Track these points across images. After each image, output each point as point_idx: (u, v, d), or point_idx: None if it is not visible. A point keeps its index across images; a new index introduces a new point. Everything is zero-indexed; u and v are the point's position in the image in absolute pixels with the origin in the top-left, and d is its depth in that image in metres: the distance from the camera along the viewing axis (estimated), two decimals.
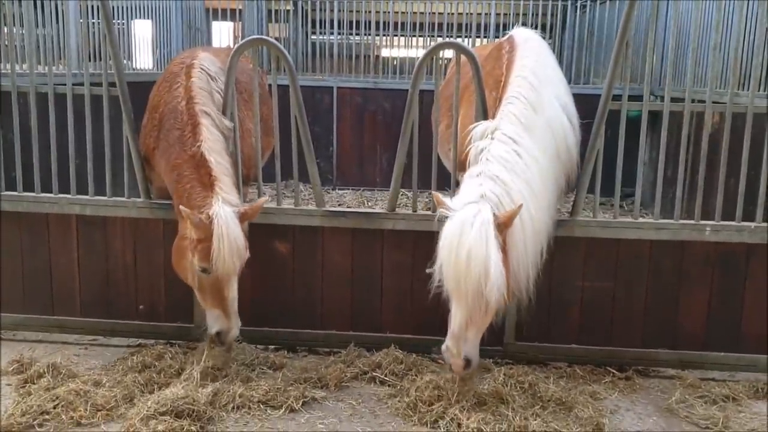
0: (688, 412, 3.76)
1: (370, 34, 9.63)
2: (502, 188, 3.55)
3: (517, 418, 3.46)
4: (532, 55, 4.29)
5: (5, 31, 4.70)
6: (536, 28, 8.98)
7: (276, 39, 9.63)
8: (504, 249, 3.40)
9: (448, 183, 4.49)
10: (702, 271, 4.22)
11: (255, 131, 4.30)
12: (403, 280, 4.35)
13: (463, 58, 4.10)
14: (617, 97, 4.12)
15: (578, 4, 9.68)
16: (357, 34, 9.74)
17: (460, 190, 3.68)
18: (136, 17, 8.34)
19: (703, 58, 6.44)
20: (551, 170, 3.90)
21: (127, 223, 4.43)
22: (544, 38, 5.03)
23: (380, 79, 9.48)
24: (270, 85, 4.52)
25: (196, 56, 4.51)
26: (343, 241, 4.36)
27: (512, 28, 5.25)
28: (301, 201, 4.46)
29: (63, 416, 3.43)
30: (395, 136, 4.24)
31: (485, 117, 4.04)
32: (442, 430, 3.47)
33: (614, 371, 4.18)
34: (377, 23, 9.60)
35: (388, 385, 3.93)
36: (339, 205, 8.29)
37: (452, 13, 9.54)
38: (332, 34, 9.60)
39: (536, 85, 4.03)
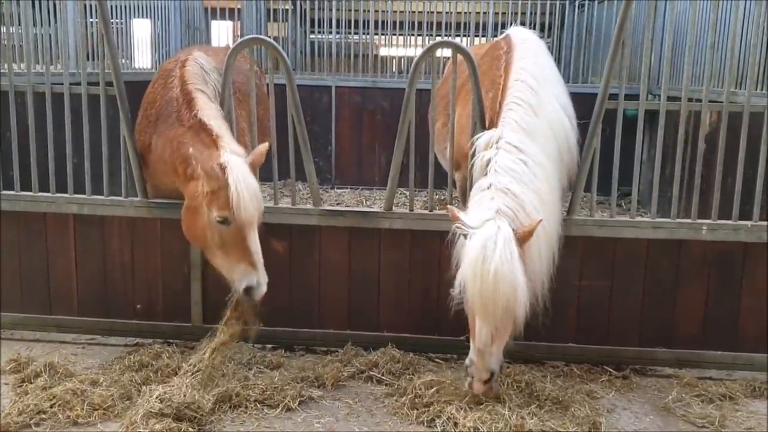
0: (685, 411, 3.76)
1: (368, 33, 9.63)
2: (515, 201, 3.54)
3: (514, 416, 3.46)
4: (529, 57, 4.29)
5: (3, 30, 4.69)
6: (535, 27, 9.02)
7: (275, 38, 9.65)
8: (523, 262, 3.40)
9: (445, 182, 4.50)
10: (699, 270, 4.22)
11: (252, 131, 4.29)
12: (400, 279, 4.35)
13: (459, 57, 4.10)
14: (614, 96, 4.13)
15: (576, 3, 9.68)
16: (356, 33, 9.74)
17: (471, 204, 3.67)
18: (135, 16, 8.34)
19: (700, 57, 6.44)
20: (555, 174, 3.91)
21: (124, 222, 4.43)
22: (541, 38, 5.03)
23: (379, 78, 9.48)
24: (267, 85, 4.52)
25: (190, 53, 4.52)
26: (341, 240, 4.36)
27: (511, 27, 5.26)
28: (298, 200, 4.46)
29: (60, 415, 3.43)
30: (394, 135, 4.24)
31: (482, 116, 4.04)
32: (439, 429, 3.47)
33: (611, 370, 4.19)
34: (376, 22, 9.59)
35: (385, 384, 3.93)
36: (337, 204, 8.29)
37: (450, 12, 9.53)
38: (331, 33, 9.60)
39: (536, 87, 4.03)
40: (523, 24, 8.75)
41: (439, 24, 9.56)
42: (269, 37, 9.55)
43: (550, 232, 3.71)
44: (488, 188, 3.61)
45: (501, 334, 3.45)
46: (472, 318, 3.52)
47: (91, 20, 6.68)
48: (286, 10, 10.13)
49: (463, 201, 4.47)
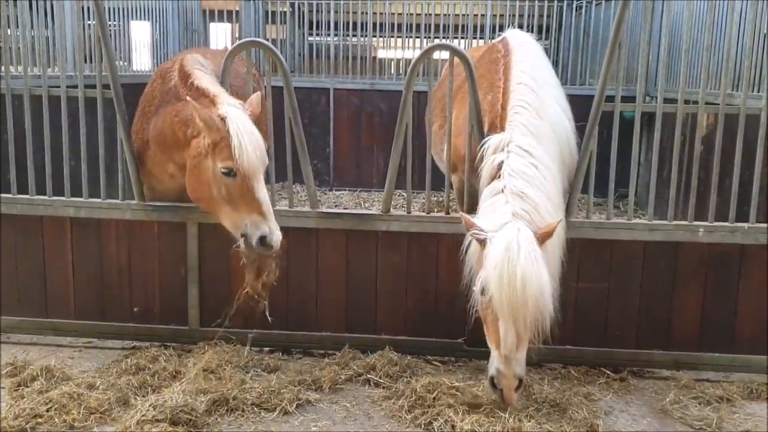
0: (683, 413, 3.76)
1: (366, 36, 9.64)
2: (530, 204, 3.53)
3: (511, 419, 3.45)
4: (528, 60, 4.30)
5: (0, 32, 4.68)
6: (532, 29, 9.03)
7: (273, 40, 9.65)
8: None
9: (443, 184, 4.50)
10: (696, 271, 4.22)
11: None
12: (397, 281, 4.35)
13: (456, 59, 4.10)
14: (611, 98, 4.13)
15: (574, 5, 9.69)
16: (354, 36, 9.74)
17: (484, 208, 3.66)
18: (133, 18, 8.34)
19: (697, 59, 6.45)
20: (559, 176, 3.92)
21: (121, 225, 4.43)
22: (539, 40, 5.04)
23: (377, 80, 9.49)
24: (265, 88, 4.52)
25: (187, 53, 4.53)
26: (338, 243, 4.35)
27: (509, 29, 5.27)
28: (296, 202, 4.46)
29: (56, 419, 3.41)
30: (392, 137, 4.24)
31: (479, 119, 4.04)
32: None
33: (609, 372, 4.19)
34: (374, 24, 9.60)
35: (383, 387, 3.92)
36: (336, 206, 8.29)
37: (448, 15, 9.54)
38: (329, 35, 9.60)
39: (538, 91, 4.04)
40: (520, 26, 8.77)
41: (437, 26, 9.58)
42: (267, 39, 9.57)
43: (561, 235, 3.72)
44: (502, 192, 3.60)
45: (525, 338, 3.39)
46: (492, 325, 3.42)
47: (88, 22, 6.70)
48: (285, 12, 10.13)
49: (460, 203, 4.47)
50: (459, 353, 4.35)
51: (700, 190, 4.25)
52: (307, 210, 4.35)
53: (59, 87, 4.41)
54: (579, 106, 4.54)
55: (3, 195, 4.45)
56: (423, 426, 3.52)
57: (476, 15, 9.73)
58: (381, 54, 11.39)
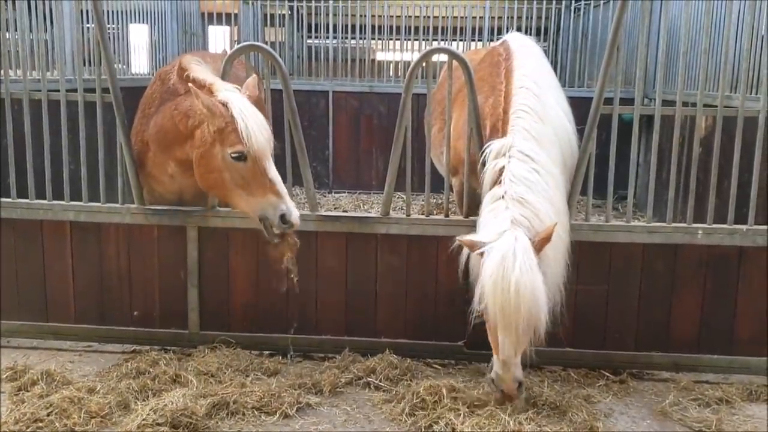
0: (682, 414, 3.76)
1: (365, 38, 9.65)
2: (530, 210, 3.55)
3: (512, 422, 3.45)
4: (529, 64, 4.30)
5: None
6: (531, 31, 9.04)
7: (272, 43, 9.66)
8: (541, 270, 3.42)
9: (442, 186, 4.51)
10: (695, 273, 4.23)
11: None
12: (397, 284, 4.35)
13: (455, 63, 4.11)
14: (610, 101, 4.14)
15: (572, 8, 9.71)
16: (353, 38, 9.75)
17: (485, 213, 3.68)
18: (131, 21, 8.34)
19: (695, 61, 6.47)
20: (562, 180, 3.93)
21: (121, 229, 4.43)
22: (537, 42, 5.05)
23: (376, 82, 9.50)
24: (264, 91, 4.53)
25: (186, 55, 4.55)
26: (338, 246, 4.36)
27: (507, 31, 5.28)
28: (295, 205, 4.46)
29: (57, 423, 3.41)
30: (391, 139, 4.25)
31: (478, 123, 4.05)
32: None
33: (608, 374, 4.19)
34: (373, 27, 9.61)
35: (383, 391, 3.92)
36: (335, 208, 8.30)
37: (447, 17, 9.56)
38: (328, 38, 9.61)
39: (539, 94, 4.04)
40: (519, 28, 8.79)
41: (435, 28, 9.59)
42: (266, 42, 9.58)
43: (563, 238, 3.73)
44: (502, 198, 3.62)
45: (524, 345, 3.46)
46: (492, 332, 3.51)
47: (87, 25, 6.70)
48: (283, 15, 10.14)
49: (460, 206, 4.48)
50: (459, 356, 4.35)
51: (698, 192, 4.26)
52: (307, 213, 4.36)
53: (58, 91, 4.41)
54: (577, 108, 4.55)
55: (3, 199, 4.45)
56: (423, 429, 3.52)
57: (474, 17, 9.75)
58: (380, 56, 11.40)
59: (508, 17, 9.39)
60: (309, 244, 4.34)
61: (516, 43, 4.65)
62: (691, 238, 4.18)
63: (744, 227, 4.16)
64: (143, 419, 3.40)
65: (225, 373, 3.98)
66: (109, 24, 7.59)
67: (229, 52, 4.40)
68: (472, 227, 3.87)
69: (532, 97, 4.02)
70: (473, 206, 4.05)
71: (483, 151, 3.89)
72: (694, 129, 4.36)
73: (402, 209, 6.36)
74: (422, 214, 4.40)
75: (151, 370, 4.00)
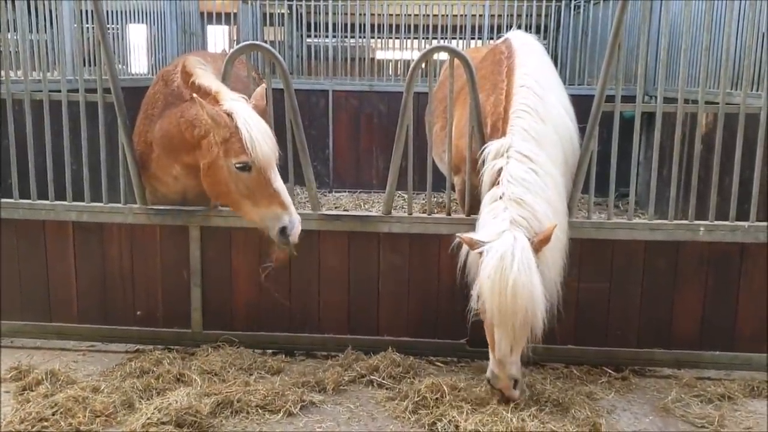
0: (684, 411, 3.78)
1: (365, 37, 9.65)
2: (529, 211, 3.56)
3: (515, 419, 3.47)
4: (531, 62, 4.30)
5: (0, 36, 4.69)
6: (531, 29, 9.04)
7: (271, 42, 9.65)
8: (539, 270, 3.44)
9: (443, 184, 4.52)
10: (696, 270, 4.24)
11: None
12: (399, 282, 4.36)
13: (456, 61, 4.11)
14: (611, 98, 4.15)
15: (572, 5, 9.71)
16: (352, 37, 9.75)
17: (484, 214, 3.70)
18: (130, 21, 8.34)
19: (696, 58, 6.47)
20: (562, 180, 3.94)
21: (123, 229, 4.43)
22: (538, 40, 5.05)
23: (375, 81, 9.50)
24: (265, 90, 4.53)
25: (188, 56, 4.54)
26: (340, 245, 4.37)
27: (507, 29, 5.28)
28: (297, 204, 4.47)
29: (62, 423, 3.42)
30: (391, 138, 4.26)
31: (479, 121, 4.06)
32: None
33: (610, 371, 4.20)
34: (372, 26, 9.61)
35: (386, 388, 3.94)
36: (336, 207, 8.30)
37: (446, 15, 9.55)
38: (327, 36, 9.61)
39: (541, 93, 4.05)
40: (519, 26, 8.79)
41: (435, 27, 9.58)
42: (266, 41, 9.57)
43: (561, 239, 3.74)
44: (500, 198, 3.63)
45: (520, 342, 3.49)
46: (490, 330, 3.54)
47: (87, 26, 6.70)
48: (282, 14, 10.14)
49: (462, 205, 4.49)
50: (461, 354, 4.36)
51: (700, 189, 4.26)
52: (309, 212, 4.36)
53: (60, 91, 4.42)
54: (578, 105, 4.55)
55: (4, 200, 4.46)
56: (427, 426, 3.53)
57: (474, 15, 9.74)
58: (379, 55, 11.39)
59: (507, 15, 9.39)
60: (311, 243, 4.35)
61: (518, 41, 4.65)
62: (692, 235, 4.19)
63: (745, 224, 4.17)
64: (148, 418, 3.41)
65: (228, 371, 3.99)
66: (108, 24, 7.58)
67: (228, 51, 4.40)
68: (473, 226, 3.88)
69: (533, 95, 4.02)
70: (475, 205, 4.06)
71: (481, 152, 3.90)
72: (695, 126, 4.36)
73: (403, 208, 6.36)
74: (424, 212, 4.40)
75: (154, 369, 4.01)
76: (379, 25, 9.68)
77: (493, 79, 4.34)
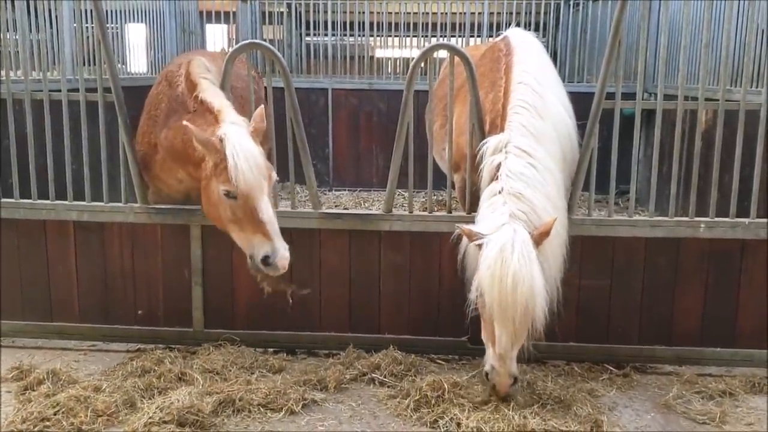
0: (686, 407, 3.78)
1: (364, 35, 9.64)
2: (528, 205, 3.56)
3: (516, 416, 3.48)
4: (530, 59, 4.31)
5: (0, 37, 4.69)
6: (530, 26, 9.03)
7: (270, 41, 9.64)
8: (540, 264, 3.43)
9: (444, 183, 4.52)
10: (697, 267, 4.25)
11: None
12: (400, 281, 4.36)
13: (456, 58, 4.11)
14: (611, 96, 4.15)
15: (572, 3, 9.70)
16: (351, 35, 9.74)
17: (483, 209, 3.70)
18: (129, 21, 8.33)
19: (695, 55, 6.47)
20: (561, 176, 3.94)
21: (124, 228, 4.43)
22: (536, 37, 5.05)
23: (375, 79, 9.50)
24: (266, 89, 4.53)
25: (193, 56, 4.53)
26: (340, 243, 4.37)
27: (506, 27, 5.28)
28: (297, 203, 4.47)
29: (64, 422, 3.42)
30: (391, 136, 4.26)
31: (480, 118, 4.06)
32: (442, 430, 3.49)
33: (612, 368, 4.21)
34: (371, 24, 9.60)
35: (388, 386, 3.94)
36: (336, 206, 8.30)
37: (445, 13, 9.55)
38: (327, 35, 9.60)
39: (539, 90, 4.05)
40: (518, 24, 8.78)
41: (434, 25, 9.58)
42: (265, 40, 9.57)
43: (561, 234, 3.74)
44: (500, 193, 3.63)
45: (521, 339, 3.47)
46: (489, 324, 3.52)
47: (86, 25, 6.70)
48: (281, 12, 10.13)
49: (462, 202, 4.49)
50: (463, 351, 4.37)
51: (700, 186, 4.27)
52: (310, 211, 4.37)
53: (60, 91, 4.41)
54: (577, 103, 4.56)
55: (5, 200, 4.46)
56: (429, 424, 3.54)
57: (473, 13, 9.74)
58: (379, 53, 11.39)
59: (507, 13, 9.38)
60: (311, 242, 4.35)
61: (517, 38, 4.65)
62: (693, 231, 4.19)
63: (746, 220, 4.18)
64: (150, 417, 3.42)
65: (230, 370, 3.99)
66: (107, 23, 7.57)
67: (228, 50, 4.40)
68: (474, 223, 3.88)
69: (531, 92, 4.03)
70: (475, 202, 4.06)
71: (480, 147, 3.90)
72: (695, 123, 4.37)
73: (404, 206, 6.36)
74: (424, 210, 4.41)
75: (156, 368, 4.01)
76: (377, 24, 9.67)
77: (492, 76, 4.34)
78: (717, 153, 4.19)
